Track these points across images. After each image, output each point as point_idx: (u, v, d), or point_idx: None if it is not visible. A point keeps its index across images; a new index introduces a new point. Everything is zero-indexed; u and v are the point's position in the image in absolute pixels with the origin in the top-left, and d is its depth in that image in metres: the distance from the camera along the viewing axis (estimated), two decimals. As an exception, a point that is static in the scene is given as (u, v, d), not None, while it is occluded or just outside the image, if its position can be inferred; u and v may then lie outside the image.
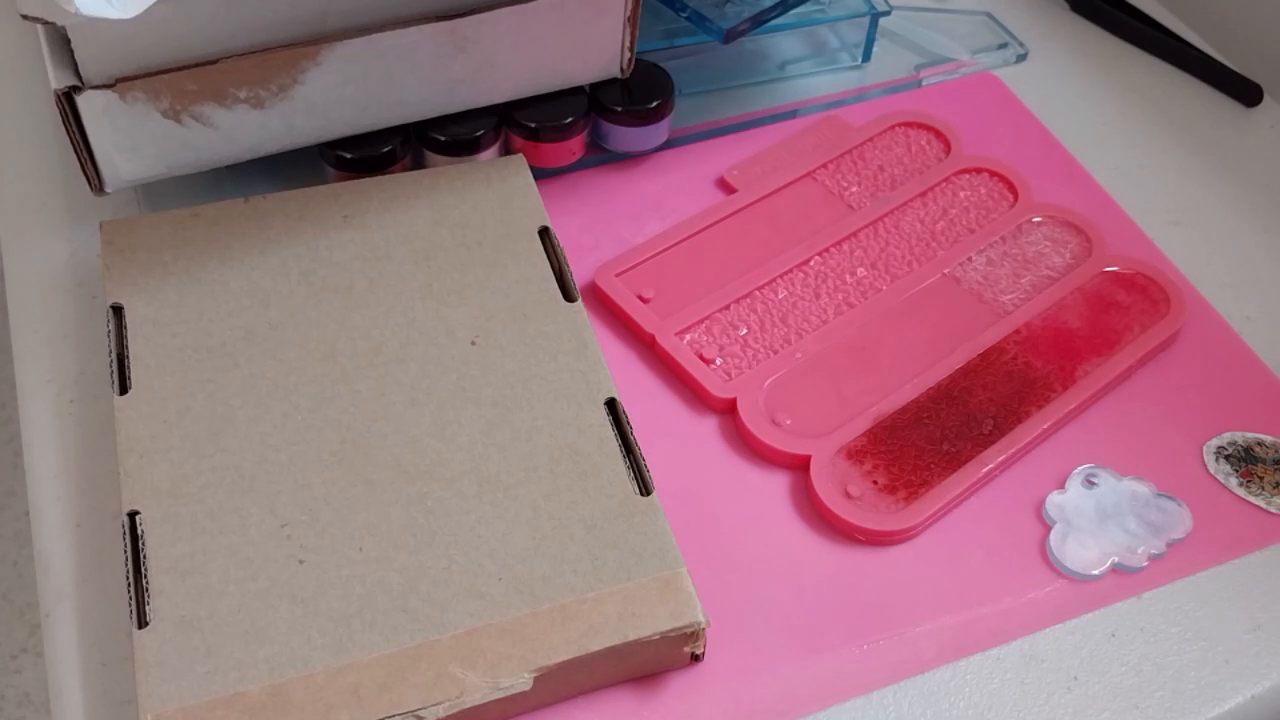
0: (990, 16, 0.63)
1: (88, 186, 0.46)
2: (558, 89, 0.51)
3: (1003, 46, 0.62)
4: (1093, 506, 0.44)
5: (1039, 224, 0.53)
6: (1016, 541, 0.43)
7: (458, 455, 0.40)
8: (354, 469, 0.40)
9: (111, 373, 0.42)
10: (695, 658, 0.39)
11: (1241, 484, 0.45)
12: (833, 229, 0.52)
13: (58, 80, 0.42)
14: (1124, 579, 0.42)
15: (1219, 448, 0.46)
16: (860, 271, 0.51)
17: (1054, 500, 0.44)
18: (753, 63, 0.60)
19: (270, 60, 0.45)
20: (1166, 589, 0.42)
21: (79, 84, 0.43)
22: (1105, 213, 0.54)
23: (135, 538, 0.38)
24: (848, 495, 0.43)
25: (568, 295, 0.45)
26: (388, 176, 0.49)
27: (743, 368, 0.47)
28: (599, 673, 0.38)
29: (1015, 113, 0.59)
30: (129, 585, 0.37)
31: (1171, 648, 0.41)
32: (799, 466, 0.44)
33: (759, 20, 0.52)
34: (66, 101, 0.43)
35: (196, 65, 0.44)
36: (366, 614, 0.37)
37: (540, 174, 0.52)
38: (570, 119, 0.51)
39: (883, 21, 0.60)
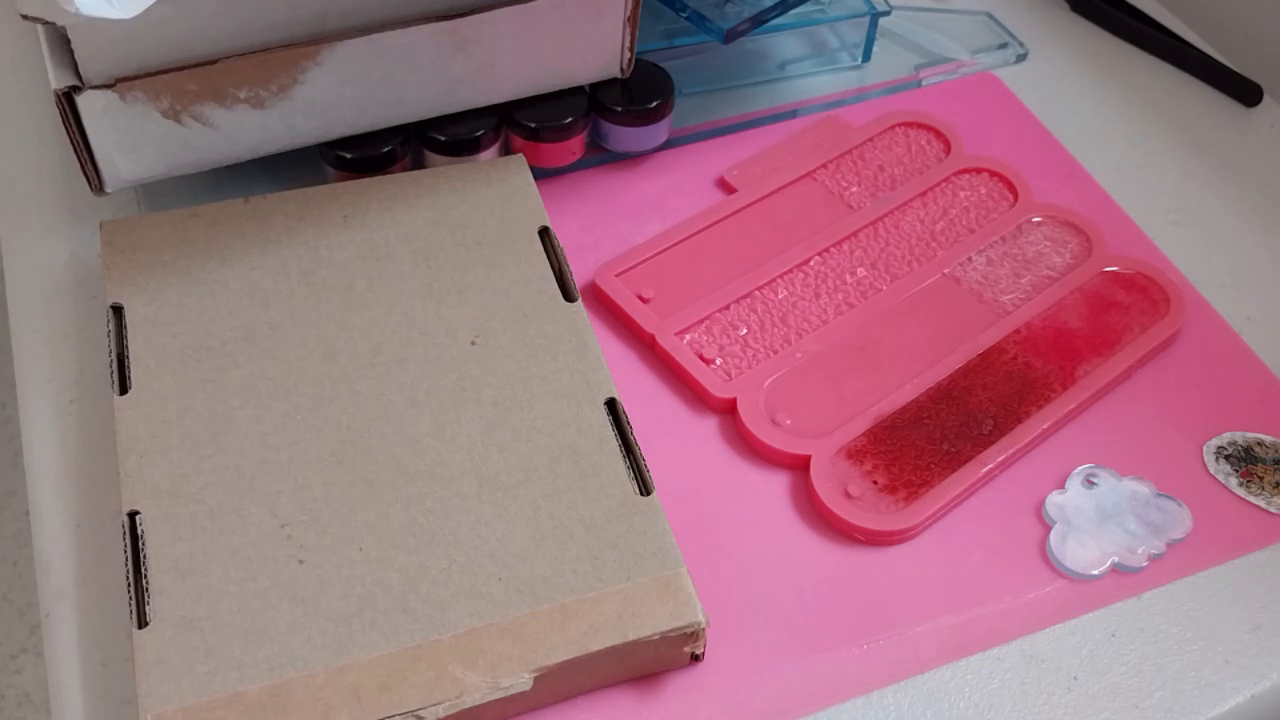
0: (990, 16, 0.63)
1: (88, 186, 0.46)
2: (558, 89, 0.51)
3: (1003, 46, 0.62)
4: (1093, 506, 0.44)
5: (1039, 224, 0.53)
6: (1016, 541, 0.43)
7: (458, 455, 0.40)
8: (354, 469, 0.40)
9: (111, 373, 0.42)
10: (695, 658, 0.39)
11: (1241, 484, 0.45)
12: (833, 229, 0.52)
13: (58, 80, 0.42)
14: (1124, 579, 0.42)
15: (1219, 448, 0.46)
16: (860, 271, 0.51)
17: (1054, 500, 0.44)
18: (753, 63, 0.60)
19: (270, 60, 0.45)
20: (1166, 589, 0.42)
21: (79, 84, 0.43)
22: (1105, 213, 0.54)
23: (135, 538, 0.38)
24: (848, 495, 0.43)
25: (568, 295, 0.45)
26: (388, 176, 0.49)
27: (743, 368, 0.47)
28: (599, 673, 0.38)
29: (1015, 113, 0.59)
30: (129, 585, 0.37)
31: (1171, 648, 0.41)
32: (799, 466, 0.44)
33: (759, 20, 0.52)
34: (66, 101, 0.43)
35: (196, 65, 0.44)
36: (366, 614, 0.37)
37: (540, 174, 0.52)
38: (570, 119, 0.51)
39: (883, 21, 0.60)
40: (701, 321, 0.48)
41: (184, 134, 0.45)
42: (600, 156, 0.55)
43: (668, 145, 0.55)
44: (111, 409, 0.42)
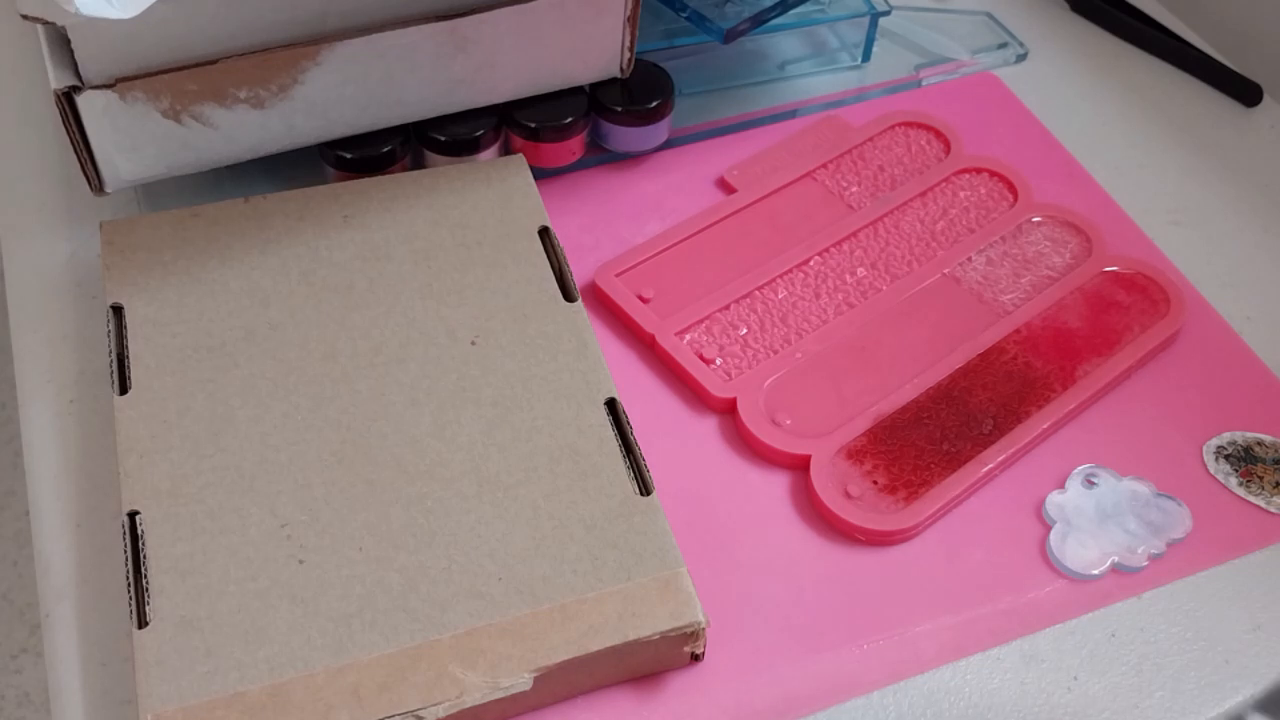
0: (990, 16, 0.63)
1: (88, 186, 0.46)
2: (558, 89, 0.51)
3: (1003, 46, 0.62)
4: (1093, 506, 0.44)
5: (1039, 224, 0.53)
6: (1016, 541, 0.43)
7: (458, 455, 0.40)
8: (354, 469, 0.40)
9: (111, 373, 0.42)
10: (695, 658, 0.39)
11: (1241, 484, 0.45)
12: (833, 229, 0.52)
13: (58, 80, 0.42)
14: (1124, 579, 0.42)
15: (1219, 447, 0.46)
16: (860, 271, 0.51)
17: (1054, 500, 0.44)
18: (753, 63, 0.60)
19: (270, 60, 0.45)
20: (1166, 589, 0.42)
21: (79, 84, 0.43)
22: (1105, 213, 0.54)
23: (135, 538, 0.38)
24: (848, 495, 0.43)
25: (568, 295, 0.45)
26: (388, 176, 0.49)
27: (743, 368, 0.47)
28: (599, 673, 0.38)
29: (1015, 113, 0.59)
30: (129, 585, 0.37)
31: (1171, 648, 0.41)
32: (799, 466, 0.44)
33: (759, 20, 0.52)
34: (66, 101, 0.43)
35: (196, 65, 0.44)
36: (366, 614, 0.37)
37: (540, 174, 0.52)
38: (570, 119, 0.51)
39: (882, 21, 0.60)
40: (701, 321, 0.48)
41: (184, 134, 0.45)
42: (600, 156, 0.55)
43: (668, 145, 0.55)
44: (111, 409, 0.42)
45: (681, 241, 0.51)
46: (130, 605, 0.36)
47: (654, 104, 0.52)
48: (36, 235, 0.50)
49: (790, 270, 0.50)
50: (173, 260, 0.45)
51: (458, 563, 0.38)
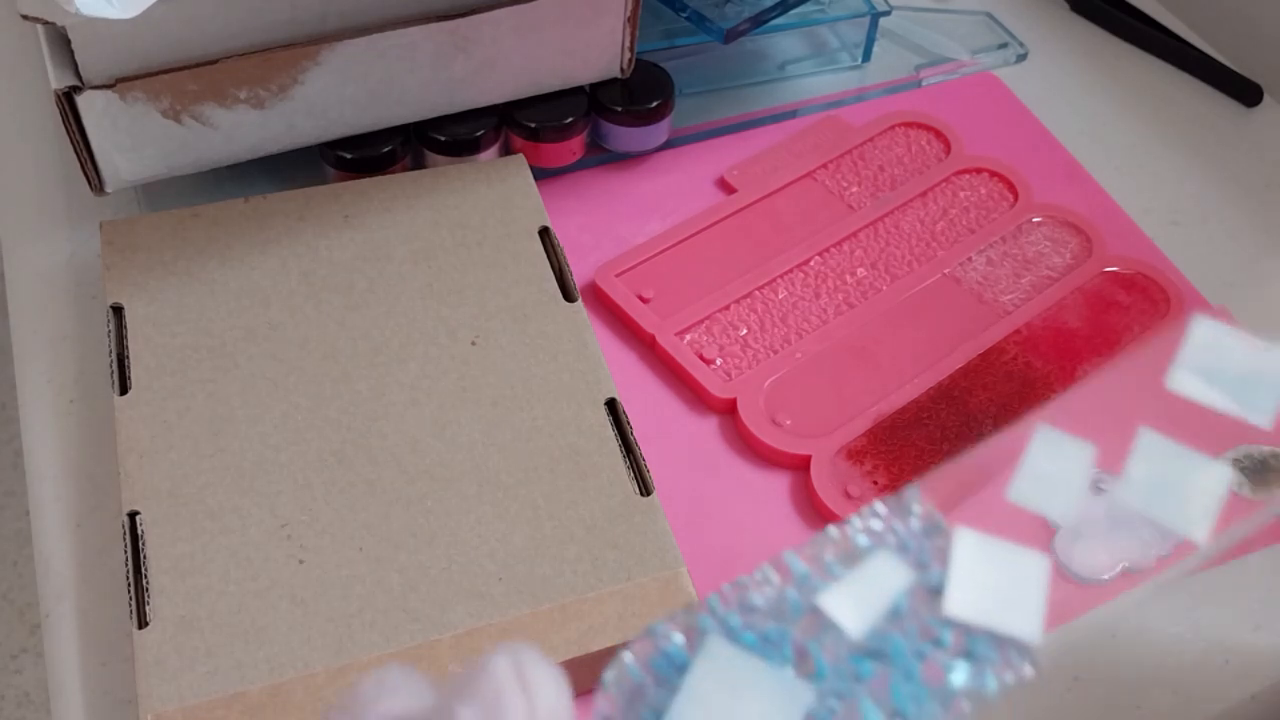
0: (990, 16, 0.63)
1: (88, 186, 0.46)
2: (558, 89, 0.51)
3: (1003, 46, 0.62)
4: (1102, 511, 0.44)
5: (1039, 224, 0.53)
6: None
7: (458, 455, 0.40)
8: (354, 469, 0.40)
9: (111, 373, 0.42)
10: (695, 658, 0.39)
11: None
12: (833, 229, 0.52)
13: (58, 80, 0.42)
14: (1127, 580, 0.42)
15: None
16: (860, 271, 0.51)
17: None
18: (753, 63, 0.60)
19: (270, 60, 0.45)
20: (1167, 589, 0.42)
21: (79, 84, 0.43)
22: (1105, 213, 0.54)
23: (135, 538, 0.38)
24: (848, 495, 0.43)
25: (568, 295, 0.45)
26: (388, 176, 0.49)
27: (743, 368, 0.47)
28: (599, 672, 0.38)
29: (1015, 113, 0.59)
30: (129, 585, 0.37)
31: (1172, 648, 0.41)
32: (799, 467, 0.44)
33: (759, 20, 0.52)
34: (66, 101, 0.43)
35: (197, 65, 0.44)
36: (367, 614, 0.37)
37: (540, 174, 0.52)
38: (570, 119, 0.51)
39: (883, 21, 0.60)
40: (702, 321, 0.48)
41: (184, 134, 0.45)
42: (600, 156, 0.55)
43: (668, 145, 0.55)
44: (111, 409, 0.42)
45: (682, 241, 0.51)
46: (130, 605, 0.36)
47: (654, 104, 0.52)
48: (36, 235, 0.50)
49: (790, 270, 0.50)
50: (173, 260, 0.45)
51: (458, 563, 0.38)
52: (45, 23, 0.40)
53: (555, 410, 0.42)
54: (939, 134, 0.57)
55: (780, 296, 0.50)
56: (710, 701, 0.25)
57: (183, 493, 0.39)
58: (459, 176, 0.49)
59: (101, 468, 0.43)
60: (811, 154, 0.55)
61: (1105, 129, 0.59)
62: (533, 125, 0.51)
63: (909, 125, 0.57)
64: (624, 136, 0.53)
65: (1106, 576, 0.42)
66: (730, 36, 0.52)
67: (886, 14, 0.59)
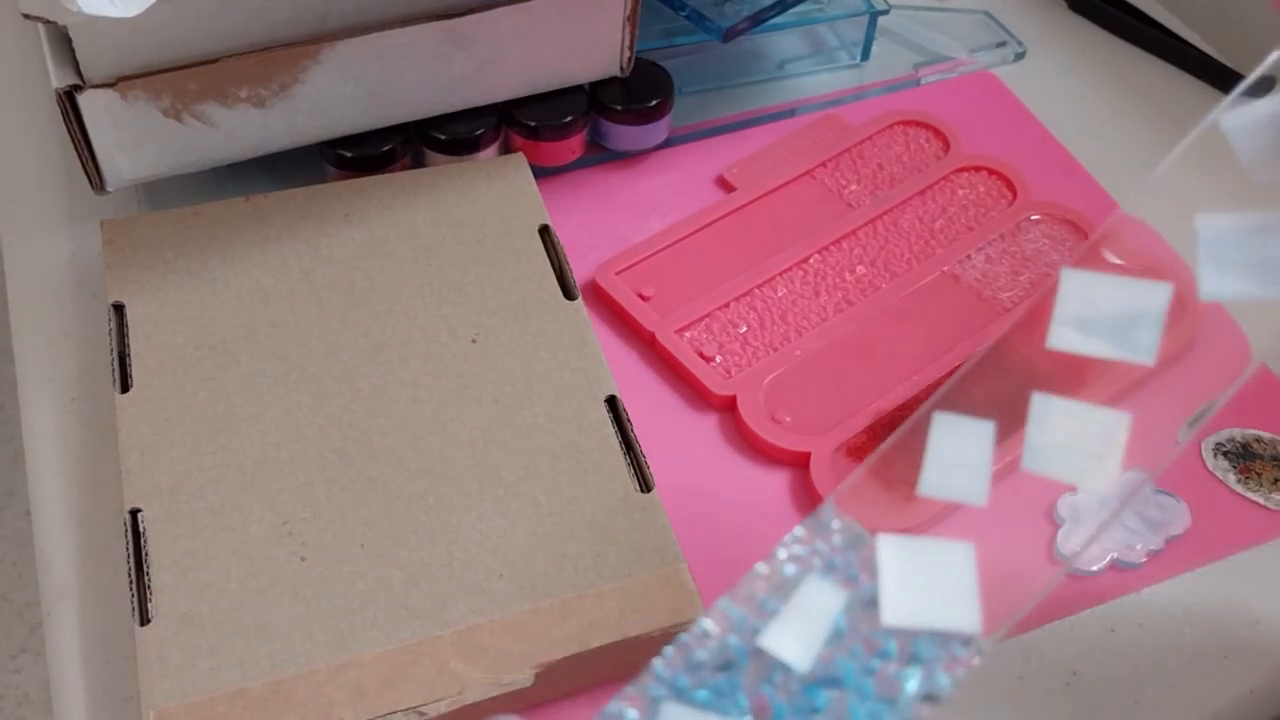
0: (988, 15, 0.63)
1: (88, 185, 0.46)
2: (557, 88, 0.52)
3: (1001, 45, 0.62)
4: (1096, 503, 0.44)
5: (1037, 222, 0.53)
6: (1020, 539, 0.43)
7: (459, 452, 0.40)
8: (355, 466, 0.40)
9: (113, 371, 0.42)
10: (696, 654, 0.39)
11: (1239, 480, 0.45)
12: (832, 227, 0.52)
13: (59, 79, 0.43)
14: (1122, 575, 0.43)
15: (1217, 444, 0.46)
16: (859, 269, 0.51)
17: (1067, 501, 0.43)
18: (752, 61, 0.60)
19: (271, 59, 0.45)
20: (1165, 585, 0.42)
21: (80, 83, 0.43)
22: (1104, 211, 0.54)
23: (137, 535, 0.38)
24: (847, 492, 0.43)
25: (568, 293, 0.45)
26: (388, 175, 0.49)
27: (743, 365, 0.47)
28: (600, 669, 0.38)
29: (1013, 111, 0.59)
30: (131, 582, 0.37)
31: (1170, 643, 0.41)
32: (799, 463, 0.45)
33: (758, 19, 0.53)
34: (68, 100, 0.43)
35: (198, 64, 0.44)
36: (368, 610, 0.37)
37: (540, 172, 0.52)
38: (570, 118, 0.51)
39: (881, 20, 0.60)
40: (701, 319, 0.48)
41: (185, 133, 0.46)
42: (600, 155, 0.55)
43: (667, 144, 0.55)
44: (113, 407, 0.42)
45: (681, 240, 0.51)
46: (132, 602, 0.36)
47: (654, 103, 0.53)
48: (37, 234, 0.50)
49: (790, 268, 0.51)
50: (174, 259, 0.45)
51: (459, 559, 0.38)
52: (47, 22, 0.40)
53: (556, 407, 0.42)
54: (937, 132, 0.57)
55: (780, 294, 0.50)
56: None
57: (184, 490, 0.39)
58: (459, 175, 0.49)
59: (103, 466, 0.43)
60: (810, 152, 0.56)
61: (1103, 127, 0.59)
62: (532, 124, 0.51)
63: (908, 124, 0.57)
64: (623, 135, 0.53)
65: (1095, 568, 0.43)
66: (729, 35, 0.52)
67: (885, 13, 0.59)
